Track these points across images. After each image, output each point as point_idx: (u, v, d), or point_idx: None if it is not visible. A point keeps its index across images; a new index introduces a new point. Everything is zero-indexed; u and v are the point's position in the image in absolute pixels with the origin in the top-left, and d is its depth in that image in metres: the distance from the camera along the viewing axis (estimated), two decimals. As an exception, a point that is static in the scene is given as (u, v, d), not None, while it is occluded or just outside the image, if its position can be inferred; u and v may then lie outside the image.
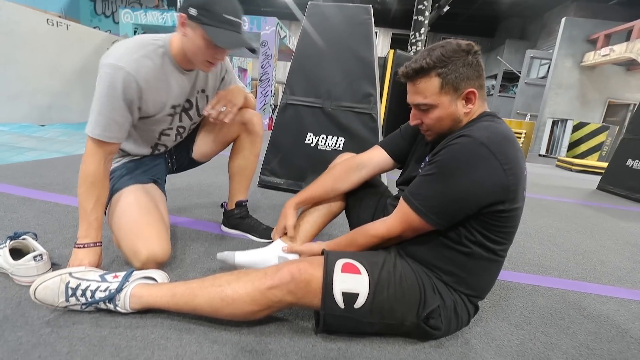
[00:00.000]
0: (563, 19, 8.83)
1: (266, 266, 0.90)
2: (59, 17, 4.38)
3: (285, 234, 1.02)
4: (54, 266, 0.94)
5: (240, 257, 0.97)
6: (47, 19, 4.04)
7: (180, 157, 1.28)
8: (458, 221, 0.73)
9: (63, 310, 0.77)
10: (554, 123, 8.18)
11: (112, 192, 1.01)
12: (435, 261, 0.78)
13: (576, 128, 7.68)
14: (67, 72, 4.34)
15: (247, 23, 6.10)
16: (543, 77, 10.23)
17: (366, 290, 0.72)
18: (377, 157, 1.01)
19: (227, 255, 0.97)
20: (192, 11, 0.86)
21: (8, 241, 0.90)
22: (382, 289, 0.73)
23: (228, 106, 1.05)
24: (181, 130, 1.15)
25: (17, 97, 3.75)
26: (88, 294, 0.75)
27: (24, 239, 0.92)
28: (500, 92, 13.57)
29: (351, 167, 1.01)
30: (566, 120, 7.87)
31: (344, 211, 1.11)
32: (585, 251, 1.64)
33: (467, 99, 0.76)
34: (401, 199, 0.78)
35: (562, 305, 1.07)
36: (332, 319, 0.73)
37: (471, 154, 0.69)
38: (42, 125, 3.82)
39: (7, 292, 0.83)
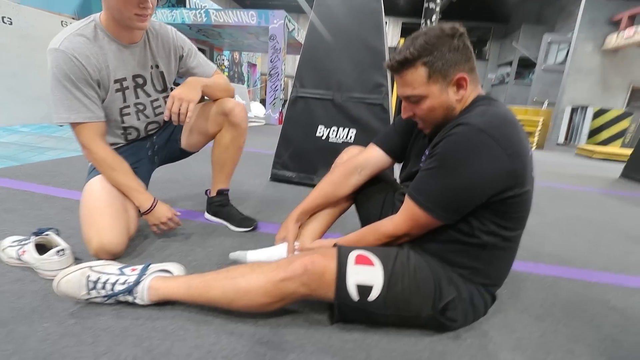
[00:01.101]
0: (583, 1, 8.44)
1: None
2: (73, 18, 4.46)
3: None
4: (76, 260, 0.97)
5: (252, 256, 0.99)
6: (62, 21, 4.12)
7: (168, 148, 1.29)
8: (467, 212, 0.71)
9: (86, 302, 0.79)
10: (573, 110, 7.90)
11: (86, 181, 1.06)
12: (449, 255, 0.76)
13: (597, 115, 7.39)
14: (82, 73, 4.43)
15: (255, 17, 6.08)
16: (561, 63, 9.84)
17: (380, 282, 0.71)
18: (374, 157, 0.98)
19: (239, 255, 0.99)
20: None
21: (33, 237, 0.93)
22: (397, 280, 0.72)
23: (183, 104, 1.01)
24: (140, 107, 1.13)
25: (37, 99, 3.86)
26: (108, 286, 0.77)
27: (47, 234, 0.95)
28: (515, 79, 13.16)
29: (349, 171, 0.99)
30: (586, 106, 7.58)
31: (353, 205, 1.10)
32: (609, 241, 1.58)
33: (458, 85, 0.73)
34: (406, 196, 0.76)
35: (586, 297, 1.04)
36: (346, 309, 0.73)
37: (471, 143, 0.66)
38: (61, 126, 3.93)
39: (34, 285, 0.86)
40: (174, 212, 1.11)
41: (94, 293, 0.77)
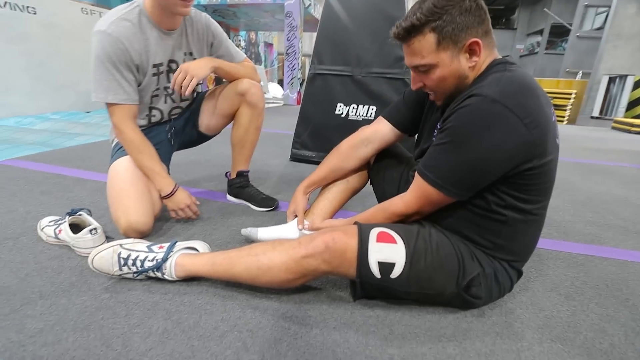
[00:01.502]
0: (627, -43, 7.62)
1: None
2: (92, 5, 4.51)
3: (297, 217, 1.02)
4: (108, 239, 1.02)
5: (263, 233, 1.01)
6: (82, 8, 4.18)
7: (186, 131, 1.31)
8: (483, 188, 0.67)
9: (118, 278, 0.83)
10: (611, 80, 7.31)
11: (110, 163, 1.10)
12: (467, 231, 0.74)
13: (638, 84, 6.81)
14: (104, 59, 4.53)
15: (270, -6, 5.92)
16: (599, 29, 9.07)
17: (403, 259, 0.70)
18: (381, 130, 0.95)
19: (250, 231, 1.01)
20: None
21: (67, 217, 0.98)
22: (419, 257, 0.70)
23: (187, 78, 1.03)
24: (170, 91, 1.17)
25: (63, 87, 3.99)
26: (138, 263, 0.80)
27: (80, 214, 0.99)
28: (546, 49, 12.30)
29: (356, 144, 0.97)
30: (626, 76, 6.99)
31: (369, 185, 1.08)
32: (648, 219, 1.48)
33: (471, 51, 0.67)
34: (416, 173, 0.73)
35: (620, 276, 0.99)
36: (368, 287, 0.73)
37: (484, 115, 0.61)
38: (88, 112, 4.07)
39: (71, 262, 0.91)
40: (193, 200, 1.14)
41: (125, 269, 0.80)
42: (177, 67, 1.14)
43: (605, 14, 8.81)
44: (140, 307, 0.74)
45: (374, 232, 0.72)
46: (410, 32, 0.67)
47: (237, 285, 0.82)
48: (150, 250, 0.82)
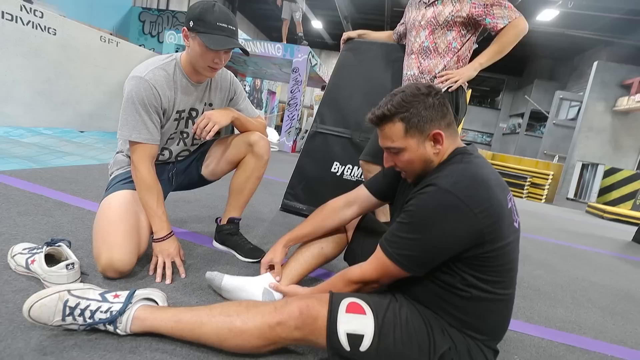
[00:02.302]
0: (595, 63, 8.73)
1: (248, 296, 0.95)
2: (111, 34, 4.74)
3: (272, 267, 1.04)
4: (83, 275, 0.96)
5: (228, 280, 0.99)
6: (101, 36, 4.38)
7: (187, 174, 1.34)
8: (442, 264, 0.72)
9: (57, 329, 0.73)
10: (584, 167, 7.89)
11: (105, 195, 1.09)
12: (436, 307, 0.75)
13: (608, 173, 7.36)
14: (110, 84, 4.64)
15: (281, 50, 6.38)
16: (573, 119, 10.01)
17: (371, 332, 0.69)
18: (361, 195, 1.04)
19: (215, 276, 0.99)
20: (191, 23, 1.01)
21: (45, 247, 0.92)
22: (388, 331, 0.70)
23: (209, 124, 1.11)
24: (184, 135, 1.24)
25: (64, 104, 4.02)
26: (87, 313, 0.71)
27: (59, 245, 0.94)
28: (527, 130, 13.34)
29: (339, 206, 1.05)
30: (597, 164, 7.57)
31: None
32: (624, 311, 1.51)
33: (435, 140, 0.77)
34: (378, 245, 0.78)
35: (601, 373, 0.98)
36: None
37: (438, 204, 0.68)
38: (82, 132, 4.06)
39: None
40: (181, 254, 1.11)
41: (69, 320, 0.70)
42: (197, 115, 1.21)
43: (577, 108, 9.79)
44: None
45: (344, 303, 0.73)
46: (382, 120, 0.78)
47: (191, 344, 0.75)
48: (104, 300, 0.73)
